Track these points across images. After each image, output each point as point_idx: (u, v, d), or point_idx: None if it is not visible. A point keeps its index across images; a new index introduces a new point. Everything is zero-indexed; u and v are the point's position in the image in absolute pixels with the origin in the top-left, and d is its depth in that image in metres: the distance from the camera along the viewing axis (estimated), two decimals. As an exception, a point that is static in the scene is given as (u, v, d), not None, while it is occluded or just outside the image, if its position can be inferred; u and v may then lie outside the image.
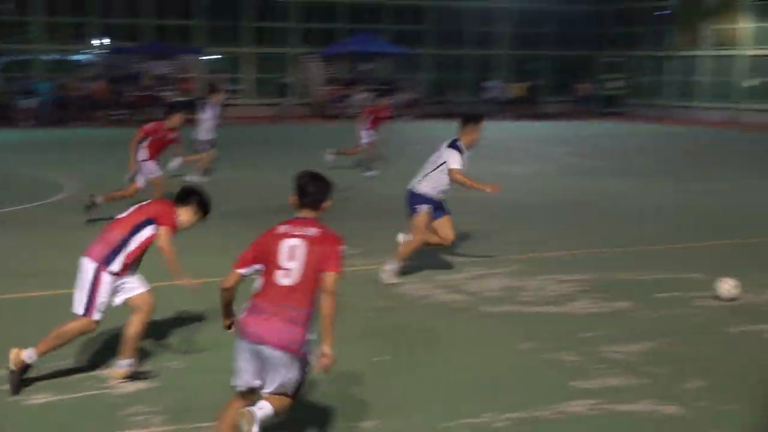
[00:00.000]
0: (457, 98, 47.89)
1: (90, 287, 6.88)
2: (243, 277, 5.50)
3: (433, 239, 10.59)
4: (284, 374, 5.25)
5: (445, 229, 10.53)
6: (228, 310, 5.64)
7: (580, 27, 54.68)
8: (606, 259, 11.99)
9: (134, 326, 7.05)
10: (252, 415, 5.14)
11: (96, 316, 6.93)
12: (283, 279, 5.31)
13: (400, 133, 30.24)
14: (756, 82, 45.91)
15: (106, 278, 6.91)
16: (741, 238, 13.55)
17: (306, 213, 5.54)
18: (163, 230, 6.96)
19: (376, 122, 20.57)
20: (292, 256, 5.33)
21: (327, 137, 28.15)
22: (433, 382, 7.22)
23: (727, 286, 9.80)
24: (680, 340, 8.43)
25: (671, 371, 7.54)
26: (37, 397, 6.79)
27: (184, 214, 7.11)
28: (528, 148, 27.60)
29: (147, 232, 6.99)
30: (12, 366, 6.81)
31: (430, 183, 10.37)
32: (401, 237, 10.74)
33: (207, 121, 18.18)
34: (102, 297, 6.92)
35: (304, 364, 5.31)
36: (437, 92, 49.84)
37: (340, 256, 5.38)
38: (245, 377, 5.34)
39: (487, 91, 47.87)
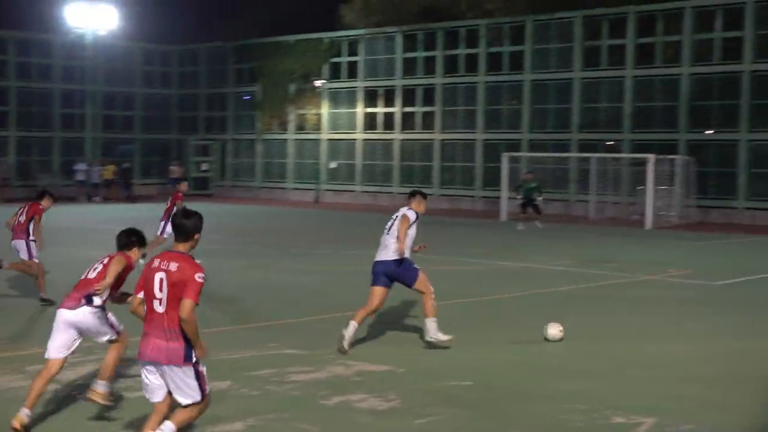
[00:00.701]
0: (46, 180, 45.85)
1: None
2: (141, 299, 6.66)
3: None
4: (181, 384, 6.48)
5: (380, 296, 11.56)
6: None
7: (171, 110, 54.92)
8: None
9: (113, 354, 8.14)
10: None
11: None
12: (158, 307, 6.50)
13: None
14: (335, 164, 48.68)
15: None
16: (332, 313, 14.01)
17: (180, 246, 6.67)
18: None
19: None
20: (160, 287, 6.49)
21: None
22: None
23: (554, 331, 11.88)
24: (280, 415, 8.46)
25: (272, 448, 7.49)
26: None
27: (135, 255, 8.06)
28: (112, 230, 26.89)
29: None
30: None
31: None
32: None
33: None
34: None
35: (195, 369, 6.52)
36: (24, 175, 47.41)
37: (196, 285, 6.43)
38: (147, 392, 6.66)
39: (77, 174, 46.31)
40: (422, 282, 11.53)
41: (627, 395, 9.37)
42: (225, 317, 13.47)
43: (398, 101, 47.03)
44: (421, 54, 46.51)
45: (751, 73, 36.71)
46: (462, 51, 45.03)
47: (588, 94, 41.03)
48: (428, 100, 46.20)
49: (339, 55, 49.32)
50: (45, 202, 15.14)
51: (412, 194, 11.86)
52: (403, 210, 11.62)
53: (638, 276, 19.26)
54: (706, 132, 38.06)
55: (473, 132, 44.47)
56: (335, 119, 49.60)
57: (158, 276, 6.52)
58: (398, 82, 46.99)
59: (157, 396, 6.67)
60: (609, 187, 38.32)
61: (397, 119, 47.13)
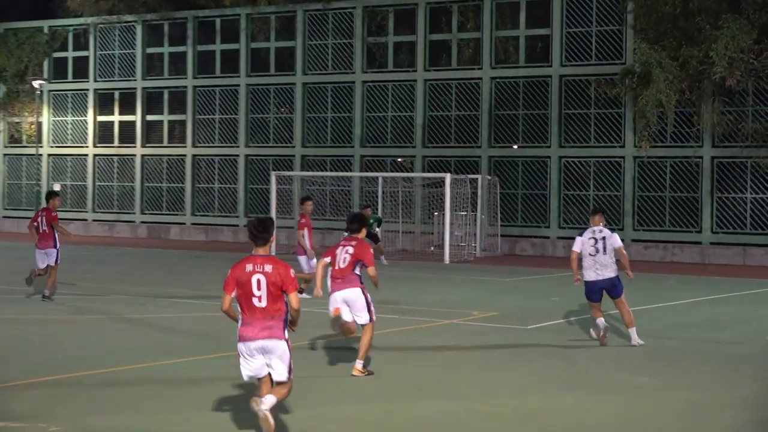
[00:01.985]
0: None
1: (366, 303, 13.77)
2: (233, 297, 9.77)
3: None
4: (281, 359, 9.70)
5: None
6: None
7: None
8: None
9: (368, 335, 13.81)
10: (260, 401, 9.44)
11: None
12: (258, 303, 9.69)
13: None
14: (59, 186, 47.29)
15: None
16: (60, 373, 13.58)
17: (260, 250, 9.85)
18: (371, 270, 13.85)
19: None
20: (258, 287, 9.67)
21: None
22: None
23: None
24: None
25: None
26: None
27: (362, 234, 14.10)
28: None
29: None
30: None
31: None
32: (601, 323, 16.86)
33: None
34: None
35: (288, 346, 9.79)
36: None
37: (292, 278, 9.72)
38: (249, 369, 9.80)
39: None
40: (623, 296, 16.84)
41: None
42: None
43: (139, 107, 46.36)
44: (167, 49, 46.08)
45: (561, 77, 38.56)
46: (219, 46, 44.99)
47: (373, 100, 41.87)
48: (177, 106, 45.79)
49: (64, 49, 48.15)
50: (55, 202, 21.67)
51: (596, 211, 17.11)
52: (606, 231, 16.70)
53: (436, 320, 19.71)
54: (514, 147, 39.61)
55: (234, 146, 44.40)
56: (60, 129, 48.29)
57: (255, 278, 9.69)
58: (139, 83, 46.35)
59: (262, 372, 9.80)
60: (400, 213, 39.09)
61: (139, 130, 46.42)
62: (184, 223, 45.20)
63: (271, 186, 38.09)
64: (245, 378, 9.90)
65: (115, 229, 46.42)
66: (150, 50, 46.47)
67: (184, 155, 45.44)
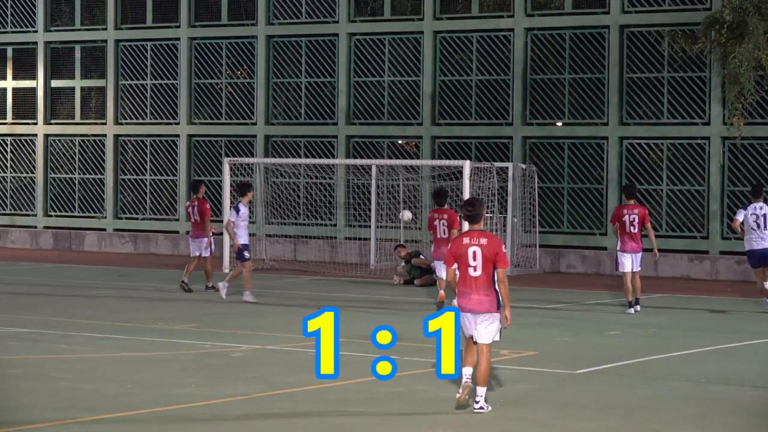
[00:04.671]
0: None
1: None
2: (454, 270, 15.65)
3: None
4: (490, 326, 15.57)
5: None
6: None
7: None
8: None
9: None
10: (471, 389, 15.48)
11: None
12: (473, 272, 15.51)
13: None
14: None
15: None
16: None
17: (475, 226, 15.67)
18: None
19: None
20: (474, 258, 15.46)
21: None
22: None
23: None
24: None
25: None
26: None
27: None
28: None
29: None
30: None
31: None
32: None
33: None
34: None
35: (499, 316, 15.67)
36: None
37: (504, 255, 15.56)
38: (467, 331, 15.65)
39: None
40: None
41: None
42: None
43: (41, 69, 46.14)
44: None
45: (622, 28, 38.33)
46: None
47: (363, 60, 41.65)
48: (93, 67, 45.58)
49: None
50: (202, 190, 30.73)
51: (758, 194, 26.38)
52: (766, 208, 25.78)
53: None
54: (558, 124, 39.41)
55: (172, 123, 44.15)
56: None
57: (471, 249, 15.28)
58: (41, 36, 46.17)
59: (472, 333, 15.49)
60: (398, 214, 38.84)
61: (41, 100, 46.21)
62: (105, 229, 44.97)
63: (223, 177, 37.88)
64: (466, 336, 15.37)
65: (9, 236, 46.16)
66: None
67: (104, 135, 45.17)
